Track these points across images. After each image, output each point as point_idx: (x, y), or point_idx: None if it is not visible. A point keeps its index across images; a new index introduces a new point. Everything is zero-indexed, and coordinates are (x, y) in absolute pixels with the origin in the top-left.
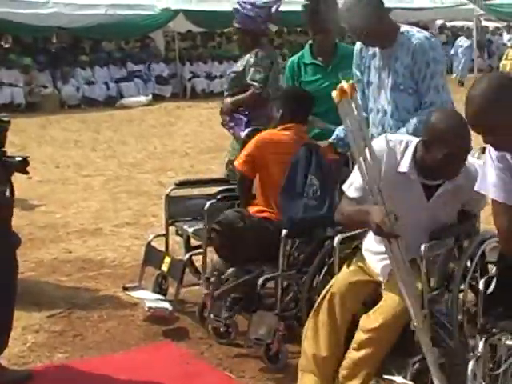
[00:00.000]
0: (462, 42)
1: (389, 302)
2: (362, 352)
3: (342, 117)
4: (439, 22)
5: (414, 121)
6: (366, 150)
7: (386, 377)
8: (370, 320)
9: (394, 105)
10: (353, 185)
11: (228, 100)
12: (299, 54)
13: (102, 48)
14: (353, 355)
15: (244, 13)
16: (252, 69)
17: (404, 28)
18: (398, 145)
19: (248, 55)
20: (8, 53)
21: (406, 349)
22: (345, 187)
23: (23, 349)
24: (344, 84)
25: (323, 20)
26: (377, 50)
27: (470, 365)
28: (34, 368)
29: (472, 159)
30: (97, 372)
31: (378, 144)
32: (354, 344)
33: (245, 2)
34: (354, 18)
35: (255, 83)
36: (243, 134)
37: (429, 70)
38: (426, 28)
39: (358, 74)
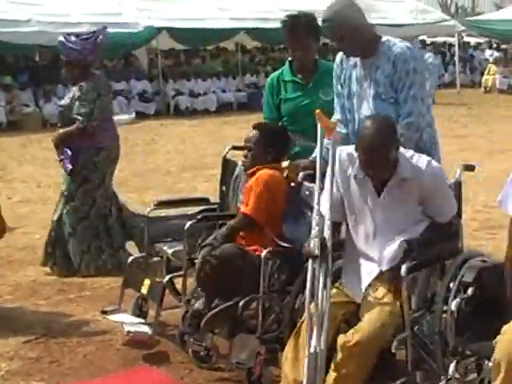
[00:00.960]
0: (430, 58)
1: (365, 320)
2: (340, 372)
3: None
4: (421, 38)
5: None
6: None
7: None
8: (347, 338)
9: (376, 114)
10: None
11: (55, 133)
12: (279, 71)
13: None
14: (330, 377)
15: (69, 46)
16: (77, 103)
17: (385, 38)
18: (351, 151)
19: (75, 88)
20: None
21: (388, 372)
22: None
23: None
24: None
25: (303, 36)
26: (358, 60)
27: None
28: None
29: (420, 157)
30: None
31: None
32: (332, 365)
33: (69, 35)
34: (337, 26)
35: (79, 117)
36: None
37: (408, 79)
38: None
39: (339, 87)
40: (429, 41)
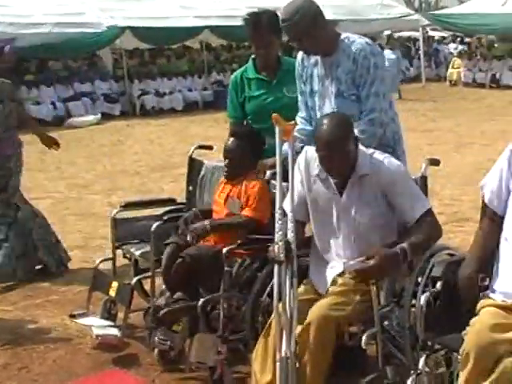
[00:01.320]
0: (388, 54)
1: (317, 304)
2: (302, 361)
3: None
4: (386, 33)
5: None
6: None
7: None
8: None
9: (338, 111)
10: None
11: None
12: (242, 68)
13: (49, 67)
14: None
15: None
16: None
17: (345, 35)
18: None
19: None
20: None
21: (358, 368)
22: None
23: None
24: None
25: (265, 33)
26: (318, 58)
27: (409, 381)
28: None
29: (380, 154)
30: None
31: (301, 159)
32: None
33: None
34: (295, 26)
35: None
36: None
37: (369, 76)
38: (373, 39)
39: (302, 85)
40: (395, 36)
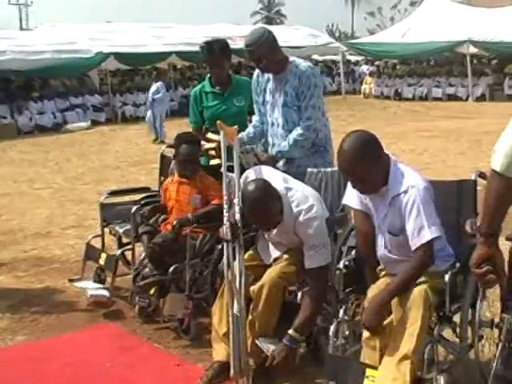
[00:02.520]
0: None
1: (269, 271)
2: (253, 315)
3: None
4: (315, 57)
5: (293, 135)
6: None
7: (257, 341)
8: (254, 287)
9: (284, 118)
10: None
11: None
12: (200, 84)
13: (50, 85)
14: (248, 321)
15: None
16: None
17: (292, 58)
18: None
19: None
20: None
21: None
22: None
23: None
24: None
25: (217, 57)
26: (271, 76)
27: (332, 327)
28: None
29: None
30: (51, 349)
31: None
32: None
33: None
34: (257, 49)
35: None
36: None
37: (309, 92)
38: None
39: (256, 96)
40: (320, 59)
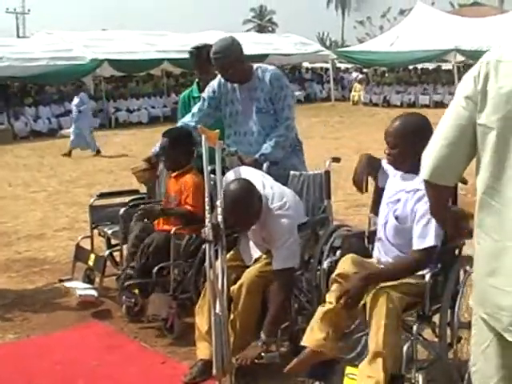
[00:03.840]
0: None
1: (248, 270)
2: (235, 313)
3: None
4: (305, 65)
5: (273, 137)
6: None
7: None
8: (234, 286)
9: (259, 125)
10: None
11: None
12: (189, 89)
13: (45, 91)
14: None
15: None
16: None
17: (256, 65)
18: None
19: None
20: None
21: None
22: None
23: None
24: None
25: (205, 63)
26: (236, 86)
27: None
28: None
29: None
30: (41, 348)
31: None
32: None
33: None
34: (224, 58)
35: None
36: None
37: (283, 93)
38: (297, 69)
39: (218, 104)
40: (310, 66)
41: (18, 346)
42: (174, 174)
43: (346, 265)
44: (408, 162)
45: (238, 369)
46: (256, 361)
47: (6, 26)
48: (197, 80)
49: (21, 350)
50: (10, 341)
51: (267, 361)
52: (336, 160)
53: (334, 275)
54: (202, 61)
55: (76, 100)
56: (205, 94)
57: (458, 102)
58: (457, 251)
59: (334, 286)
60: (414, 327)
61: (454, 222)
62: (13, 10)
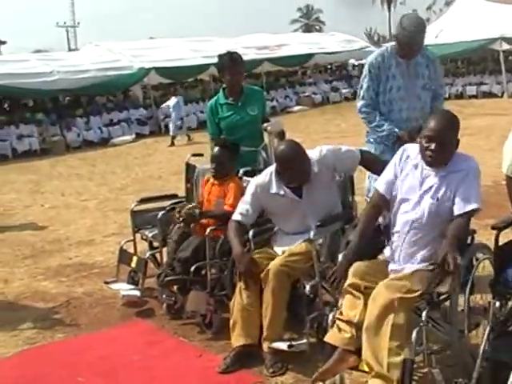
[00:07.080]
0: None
1: (274, 260)
2: (265, 301)
3: None
4: (351, 62)
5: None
6: None
7: (272, 345)
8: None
9: (423, 101)
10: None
11: None
12: (215, 97)
13: (95, 102)
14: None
15: None
16: None
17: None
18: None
19: None
20: (24, 112)
21: (304, 309)
22: None
23: (33, 332)
24: None
25: (239, 66)
26: (394, 62)
27: (330, 316)
28: (40, 345)
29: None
30: (86, 344)
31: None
32: None
33: None
34: (420, 34)
35: None
36: None
37: (437, 73)
38: (344, 66)
39: (372, 83)
40: (356, 63)
41: (65, 343)
42: (219, 181)
43: (357, 276)
44: (450, 154)
45: (269, 356)
46: (287, 349)
47: (56, 39)
48: (223, 87)
49: (68, 346)
50: (58, 339)
51: (297, 349)
52: None
53: (345, 285)
54: (236, 64)
55: (174, 100)
56: (366, 80)
57: None
58: (469, 239)
59: (347, 298)
60: (425, 312)
61: None
62: (63, 24)
